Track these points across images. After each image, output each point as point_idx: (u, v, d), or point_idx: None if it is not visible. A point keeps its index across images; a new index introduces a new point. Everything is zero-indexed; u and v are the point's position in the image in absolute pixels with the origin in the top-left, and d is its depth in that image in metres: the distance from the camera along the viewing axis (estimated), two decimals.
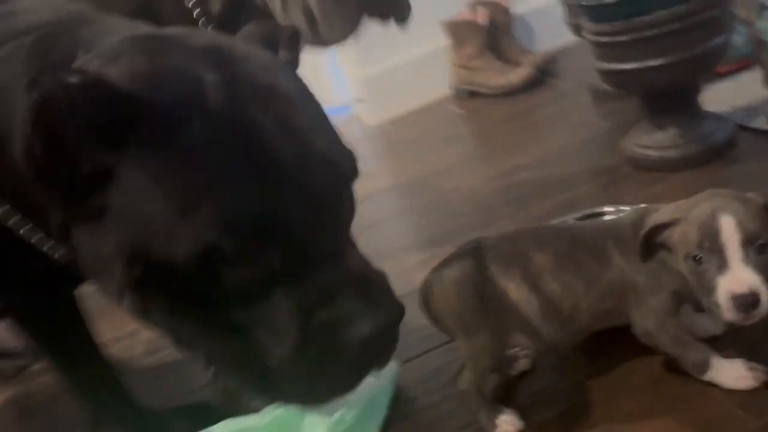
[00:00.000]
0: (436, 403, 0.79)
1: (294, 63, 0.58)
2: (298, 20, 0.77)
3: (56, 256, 0.55)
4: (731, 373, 0.66)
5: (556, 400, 0.74)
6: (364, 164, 0.55)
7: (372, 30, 2.01)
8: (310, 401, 0.52)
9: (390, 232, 1.34)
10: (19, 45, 0.52)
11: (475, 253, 0.70)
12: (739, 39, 1.22)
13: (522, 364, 0.79)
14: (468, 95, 1.94)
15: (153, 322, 0.51)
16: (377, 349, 0.50)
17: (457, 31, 1.88)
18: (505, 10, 1.90)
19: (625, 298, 0.67)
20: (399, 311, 0.51)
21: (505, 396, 0.76)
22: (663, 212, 0.63)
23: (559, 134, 1.48)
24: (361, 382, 0.51)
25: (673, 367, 0.70)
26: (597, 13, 1.07)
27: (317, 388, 0.50)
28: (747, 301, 0.57)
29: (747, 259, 0.58)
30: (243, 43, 0.53)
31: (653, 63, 1.04)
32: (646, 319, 0.67)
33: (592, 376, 0.75)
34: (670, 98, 1.11)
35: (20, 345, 1.20)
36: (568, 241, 0.69)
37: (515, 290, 0.68)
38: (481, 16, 1.85)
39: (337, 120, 1.89)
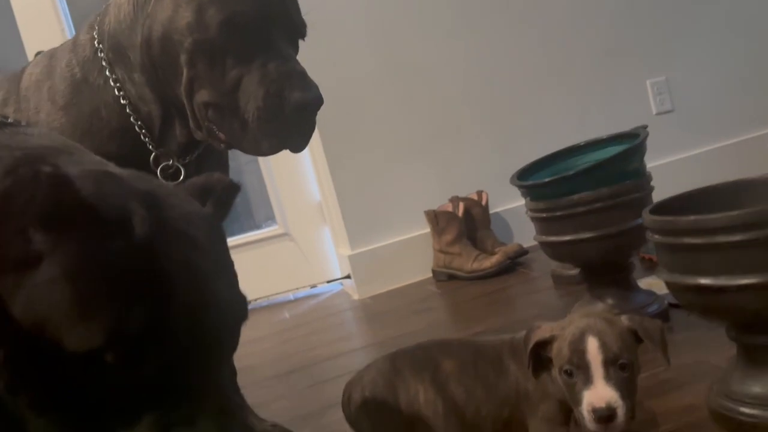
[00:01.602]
0: None
1: (221, 214, 0.68)
2: (233, 126, 0.91)
3: None
4: None
5: None
6: (345, 329, 0.67)
7: (362, 214, 2.24)
8: None
9: None
10: (7, 154, 0.60)
11: (392, 358, 0.79)
12: None
13: None
14: (446, 278, 2.09)
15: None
16: None
17: (437, 220, 2.09)
18: (480, 206, 2.13)
19: (521, 406, 0.74)
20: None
21: None
22: (544, 329, 0.73)
23: (519, 310, 1.60)
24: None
25: None
26: (534, 193, 1.25)
27: None
28: (604, 414, 0.65)
29: (608, 377, 0.66)
30: (178, 192, 0.64)
31: (584, 236, 1.19)
32: (539, 426, 0.73)
33: None
34: (604, 271, 1.25)
35: None
36: (472, 351, 0.78)
37: (423, 393, 0.75)
38: (459, 209, 2.07)
39: (328, 294, 2.08)
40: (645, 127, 1.26)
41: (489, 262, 1.98)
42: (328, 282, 2.44)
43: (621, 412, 0.64)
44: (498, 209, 2.26)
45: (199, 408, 0.54)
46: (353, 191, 2.20)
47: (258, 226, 2.63)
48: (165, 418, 0.53)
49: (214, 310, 0.56)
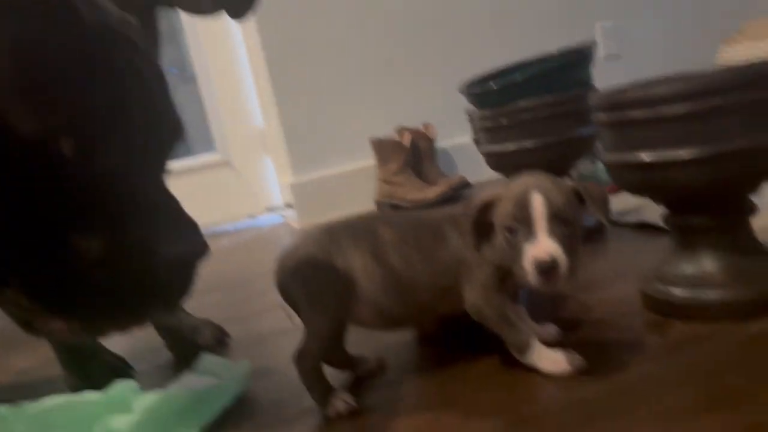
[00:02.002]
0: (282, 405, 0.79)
1: (149, 30, 0.65)
2: None
3: None
4: (549, 356, 0.70)
5: (394, 386, 0.75)
6: None
7: (306, 142, 2.17)
8: (106, 324, 0.53)
9: None
10: None
11: (329, 228, 0.76)
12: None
13: (371, 365, 0.81)
14: (389, 208, 2.07)
15: None
16: (176, 278, 0.53)
17: (383, 149, 2.06)
18: (427, 138, 2.11)
19: (459, 274, 0.72)
20: (204, 249, 0.54)
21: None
22: (488, 191, 0.71)
23: None
24: (152, 309, 0.53)
25: (507, 361, 0.73)
26: (481, 101, 1.23)
27: (115, 310, 0.51)
28: (547, 266, 0.63)
29: (551, 231, 0.65)
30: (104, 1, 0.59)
31: (528, 144, 1.18)
32: (475, 292, 0.72)
33: (434, 369, 0.77)
34: None
35: None
36: (412, 222, 0.75)
37: (360, 260, 0.73)
38: (406, 139, 2.05)
39: (269, 225, 2.01)
40: (593, 41, 1.25)
41: (432, 192, 1.97)
42: (268, 210, 2.38)
43: (563, 265, 0.63)
44: (444, 144, 2.24)
45: (156, 220, 0.52)
46: (298, 118, 2.14)
47: (193, 152, 2.53)
48: (120, 227, 0.50)
49: (157, 113, 0.55)
